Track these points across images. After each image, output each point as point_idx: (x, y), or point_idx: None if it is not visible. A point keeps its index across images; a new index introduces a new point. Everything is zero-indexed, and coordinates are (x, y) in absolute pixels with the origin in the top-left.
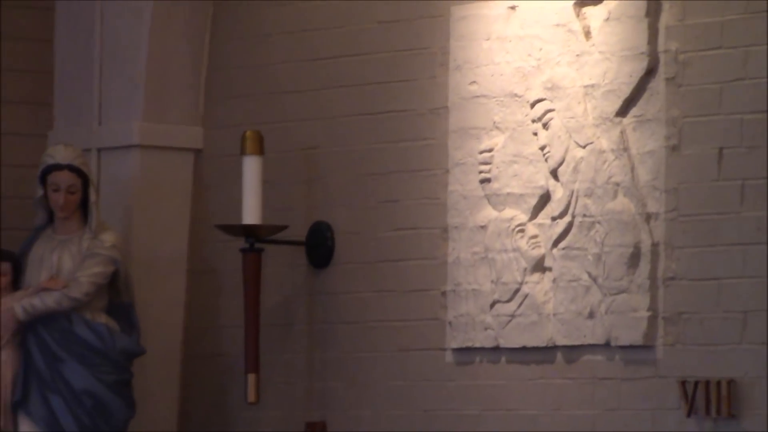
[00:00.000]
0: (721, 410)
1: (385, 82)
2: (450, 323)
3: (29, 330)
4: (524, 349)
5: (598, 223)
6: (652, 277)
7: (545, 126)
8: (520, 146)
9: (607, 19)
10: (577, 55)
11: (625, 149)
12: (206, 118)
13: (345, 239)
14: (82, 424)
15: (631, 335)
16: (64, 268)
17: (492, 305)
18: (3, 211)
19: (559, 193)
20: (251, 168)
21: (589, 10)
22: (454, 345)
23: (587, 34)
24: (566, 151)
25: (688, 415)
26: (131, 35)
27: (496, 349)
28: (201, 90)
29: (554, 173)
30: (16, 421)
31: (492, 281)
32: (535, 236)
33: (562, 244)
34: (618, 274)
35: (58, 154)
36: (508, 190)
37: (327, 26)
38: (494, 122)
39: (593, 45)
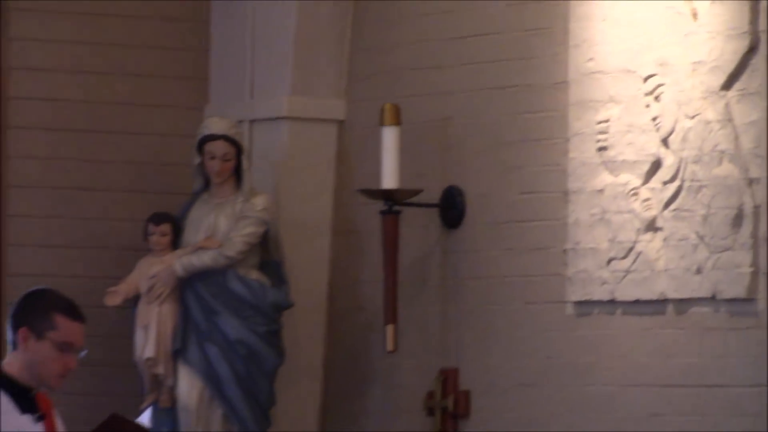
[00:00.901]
0: None
1: (511, 59)
2: (570, 278)
3: (188, 285)
4: (638, 302)
5: (705, 187)
6: (754, 236)
7: (657, 99)
8: (633, 117)
9: (713, 2)
10: (685, 35)
11: (730, 120)
12: (349, 92)
13: (475, 202)
14: (236, 370)
15: (735, 289)
16: (220, 229)
17: (608, 262)
18: (166, 177)
19: (669, 160)
20: (390, 137)
21: None
22: (574, 298)
23: (694, 15)
24: (676, 121)
25: None
26: (281, 17)
27: (612, 302)
28: (344, 66)
29: (665, 142)
30: (176, 368)
31: (608, 240)
32: (647, 199)
33: (672, 206)
34: (723, 233)
35: (214, 125)
36: (623, 157)
37: (459, 8)
38: (610, 95)
39: (700, 25)
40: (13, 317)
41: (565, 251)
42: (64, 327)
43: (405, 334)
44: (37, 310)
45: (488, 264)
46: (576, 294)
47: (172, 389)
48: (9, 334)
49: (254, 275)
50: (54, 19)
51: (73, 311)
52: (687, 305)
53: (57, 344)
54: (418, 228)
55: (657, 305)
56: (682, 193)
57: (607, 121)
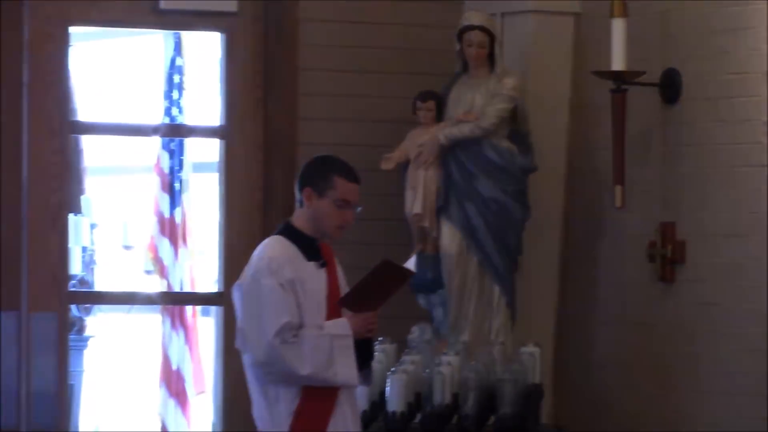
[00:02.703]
0: None
1: None
2: None
3: (449, 153)
4: None
5: None
6: None
7: None
8: None
9: None
10: None
11: None
12: None
13: (690, 81)
14: (489, 224)
15: None
16: (476, 104)
17: None
18: (431, 62)
19: None
20: (618, 27)
21: None
22: None
23: None
24: None
25: None
26: None
27: None
28: None
29: None
30: (439, 222)
31: None
32: None
33: None
34: None
35: (472, 17)
36: None
37: None
38: None
39: None
40: (300, 179)
41: (764, 122)
42: (342, 187)
43: (631, 193)
44: (319, 172)
45: (702, 133)
46: None
47: (436, 240)
48: (297, 193)
49: (505, 144)
50: None
51: (349, 173)
52: None
53: (335, 201)
54: (643, 103)
55: None
56: None
57: None
